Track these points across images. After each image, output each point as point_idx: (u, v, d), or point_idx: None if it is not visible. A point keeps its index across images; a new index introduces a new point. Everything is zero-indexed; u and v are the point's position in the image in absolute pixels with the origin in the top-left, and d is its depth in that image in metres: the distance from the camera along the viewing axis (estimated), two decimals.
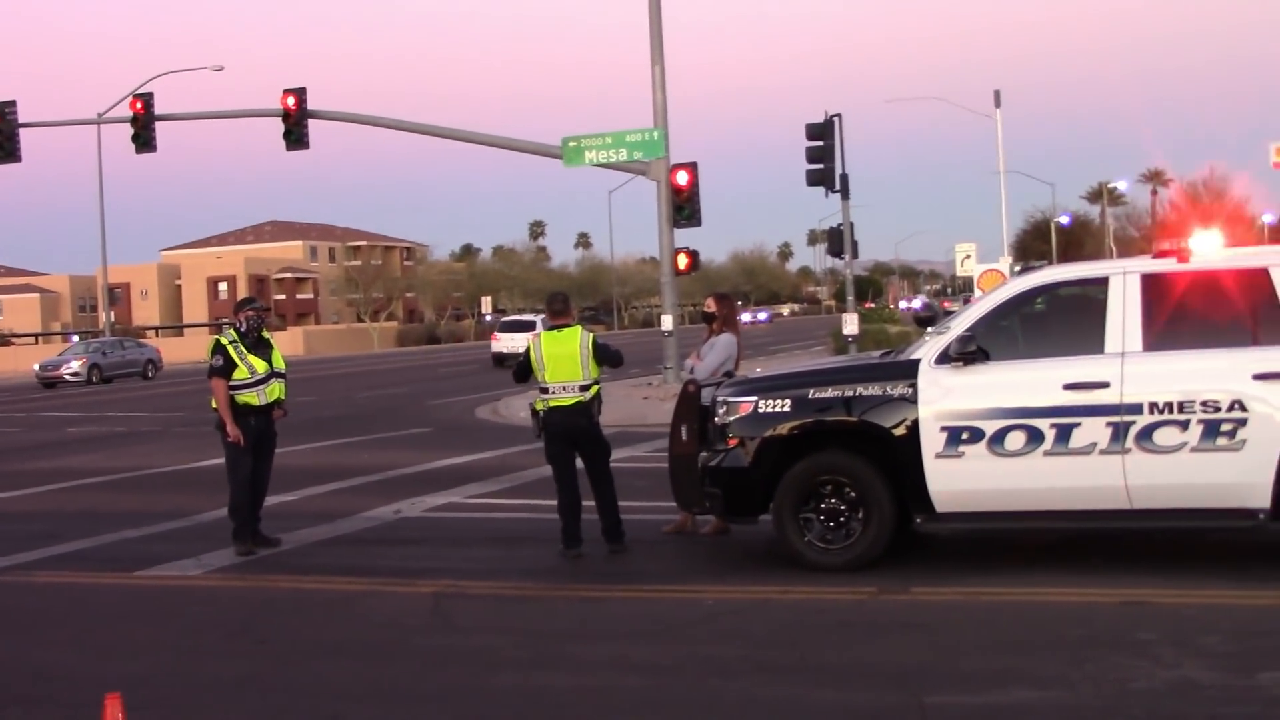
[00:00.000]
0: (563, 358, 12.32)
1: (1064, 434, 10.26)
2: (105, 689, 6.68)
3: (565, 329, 12.51)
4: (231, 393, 13.17)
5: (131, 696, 6.82)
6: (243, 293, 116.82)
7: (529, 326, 49.82)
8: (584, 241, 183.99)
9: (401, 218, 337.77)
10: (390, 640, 9.54)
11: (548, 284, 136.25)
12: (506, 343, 51.84)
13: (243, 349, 13.29)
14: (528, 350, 12.58)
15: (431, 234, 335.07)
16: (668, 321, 32.88)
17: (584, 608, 10.34)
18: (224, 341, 13.27)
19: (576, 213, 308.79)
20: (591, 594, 10.73)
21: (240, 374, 13.20)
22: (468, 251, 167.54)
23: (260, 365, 13.35)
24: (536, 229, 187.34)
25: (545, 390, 12.40)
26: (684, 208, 32.29)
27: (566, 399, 12.34)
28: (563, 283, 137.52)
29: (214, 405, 13.28)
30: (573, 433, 12.42)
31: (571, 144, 33.72)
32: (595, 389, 12.44)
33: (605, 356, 12.44)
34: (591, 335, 12.51)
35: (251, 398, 13.31)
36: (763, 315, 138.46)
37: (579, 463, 12.56)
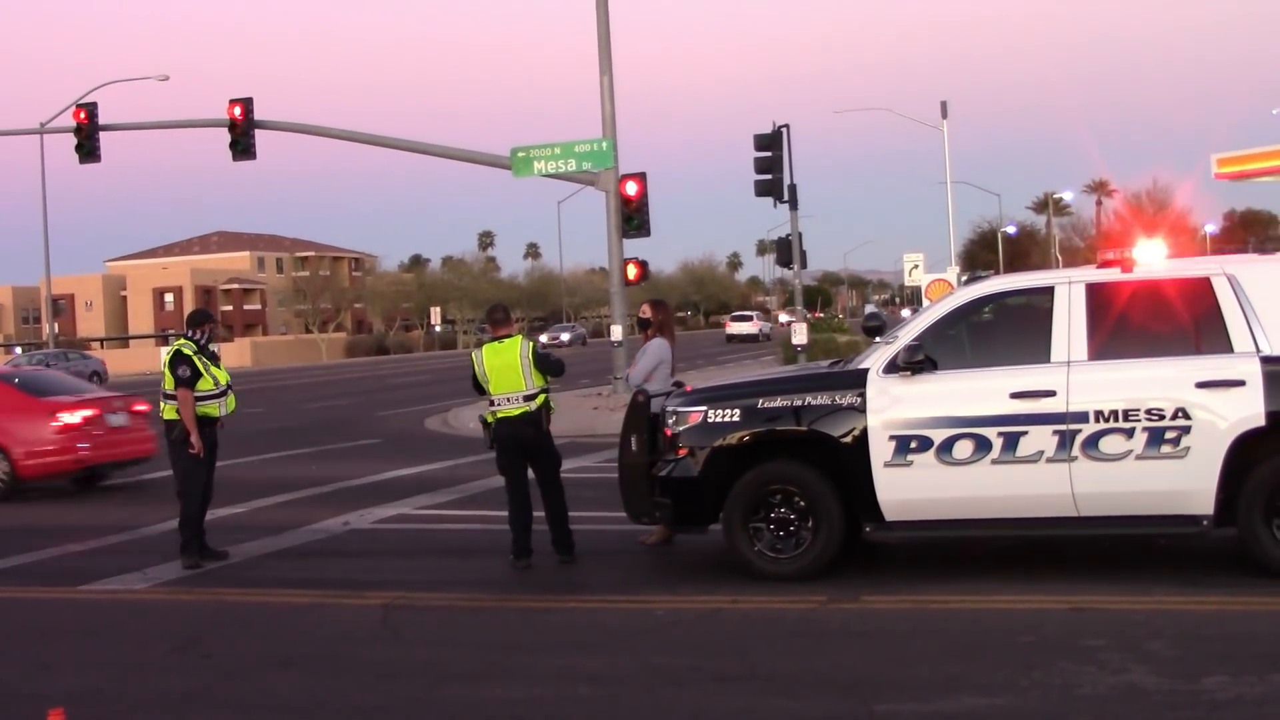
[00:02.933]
0: (504, 369, 12.37)
1: (1011, 442, 10.33)
2: (49, 705, 6.64)
3: (506, 340, 12.56)
4: (195, 403, 13.08)
5: (76, 712, 6.77)
6: (189, 304, 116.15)
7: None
8: (533, 252, 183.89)
9: (350, 228, 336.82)
10: (339, 653, 9.47)
11: (496, 294, 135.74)
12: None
13: (205, 360, 13.23)
14: (472, 363, 12.62)
15: (380, 245, 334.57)
16: (617, 332, 32.88)
17: (534, 618, 10.31)
18: (187, 352, 13.16)
19: (526, 223, 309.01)
20: (542, 605, 10.71)
21: (205, 385, 13.13)
22: (416, 262, 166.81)
23: (223, 377, 13.34)
24: (485, 239, 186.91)
25: (493, 403, 12.44)
26: (633, 218, 32.31)
27: (513, 410, 12.36)
28: (512, 293, 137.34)
29: (167, 416, 13.16)
30: (523, 444, 12.42)
31: (520, 154, 33.68)
32: (542, 398, 12.45)
33: (546, 366, 12.50)
34: (532, 344, 12.57)
35: (213, 409, 13.23)
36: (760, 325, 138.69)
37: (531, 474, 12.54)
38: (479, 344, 12.62)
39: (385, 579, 11.98)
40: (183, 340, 13.38)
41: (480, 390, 12.69)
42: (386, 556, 13.37)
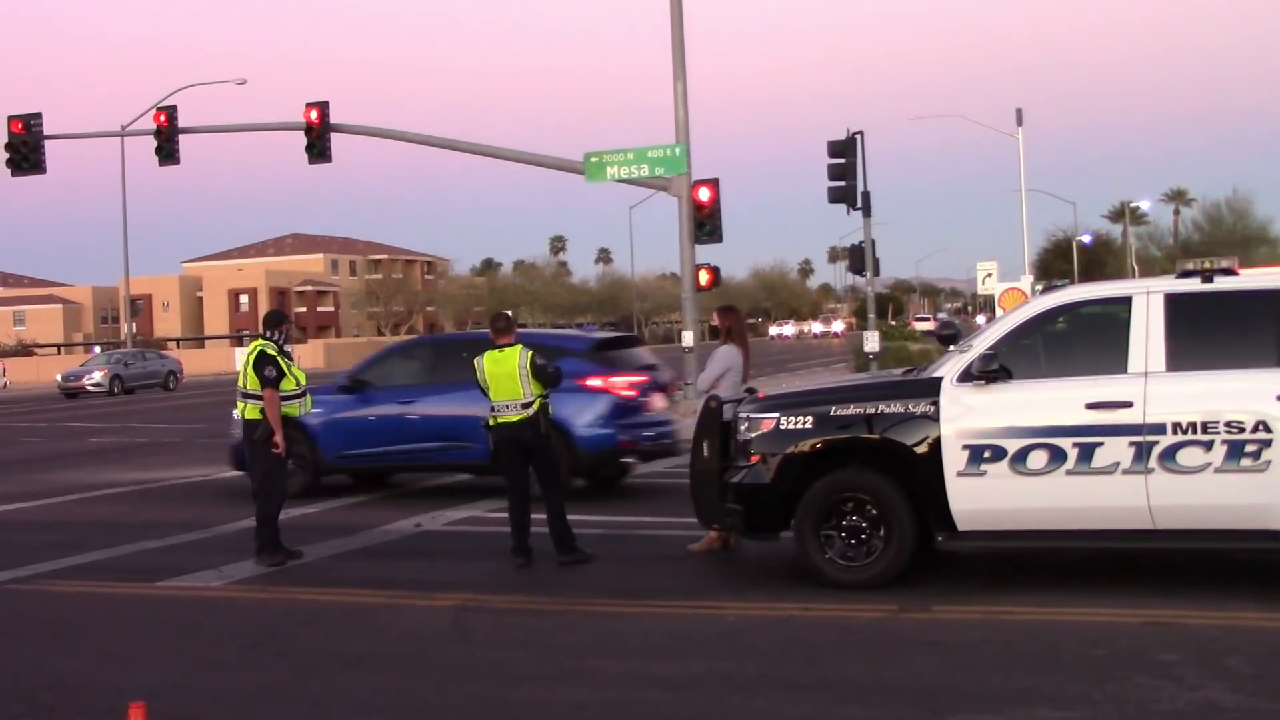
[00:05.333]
0: (503, 377, 12.74)
1: (1086, 453, 10.23)
2: (127, 698, 6.72)
3: (506, 349, 12.88)
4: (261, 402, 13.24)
5: (153, 706, 6.85)
6: (264, 305, 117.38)
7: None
8: (604, 257, 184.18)
9: (423, 231, 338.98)
10: (410, 653, 9.54)
11: (568, 299, 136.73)
12: None
13: (286, 360, 13.41)
14: (474, 370, 13.02)
15: (452, 248, 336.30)
16: (688, 337, 32.84)
17: (603, 622, 10.33)
18: (271, 352, 13.32)
19: (597, 228, 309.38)
20: (611, 609, 10.71)
21: (287, 385, 13.31)
22: (489, 266, 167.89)
23: (301, 377, 13.51)
24: (557, 244, 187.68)
25: (493, 408, 12.84)
26: (705, 224, 32.27)
27: (512, 416, 12.75)
28: (583, 298, 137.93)
29: (248, 415, 13.30)
30: (521, 445, 12.79)
31: (593, 159, 33.74)
32: (539, 404, 12.75)
33: (543, 377, 12.81)
34: (530, 355, 12.82)
35: (294, 409, 13.42)
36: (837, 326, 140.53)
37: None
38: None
39: (456, 580, 12.05)
40: (263, 340, 13.53)
41: (485, 395, 13.00)
42: (457, 558, 13.45)
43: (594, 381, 17.13)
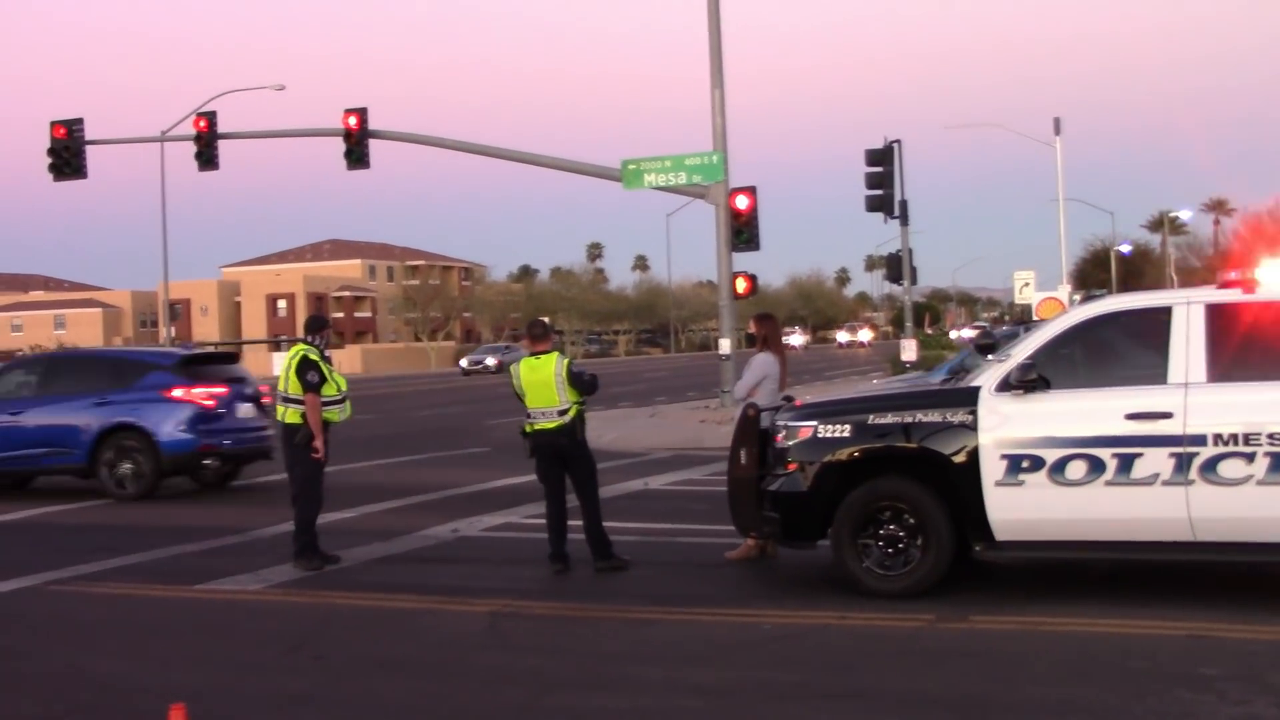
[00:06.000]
0: (539, 384, 12.73)
1: (1126, 464, 10.17)
2: (166, 700, 6.76)
3: (542, 356, 12.88)
4: (302, 407, 13.31)
5: (192, 708, 6.89)
6: (302, 310, 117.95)
7: None
8: (641, 264, 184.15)
9: (460, 238, 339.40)
10: (447, 658, 9.57)
11: (605, 306, 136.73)
12: None
13: (328, 366, 13.49)
14: (510, 377, 13.10)
15: (489, 254, 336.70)
16: (725, 345, 32.84)
17: (640, 629, 10.32)
18: (313, 357, 13.39)
19: (634, 235, 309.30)
20: (648, 615, 10.71)
21: (328, 390, 13.40)
22: (525, 272, 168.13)
23: (341, 383, 13.59)
24: (594, 251, 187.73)
25: (529, 415, 12.84)
26: (743, 231, 32.27)
27: (548, 423, 12.75)
28: (620, 305, 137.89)
29: (288, 420, 13.37)
30: (558, 452, 12.78)
31: (631, 167, 33.79)
32: (575, 410, 12.76)
33: (579, 384, 12.80)
34: (566, 362, 12.86)
35: (334, 414, 13.50)
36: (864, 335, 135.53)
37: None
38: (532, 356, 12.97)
39: (493, 586, 12.07)
40: (304, 345, 13.60)
41: (520, 401, 13.03)
42: (495, 564, 13.46)
43: (177, 392, 19.86)
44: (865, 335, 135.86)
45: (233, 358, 23.78)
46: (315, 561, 13.12)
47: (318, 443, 13.26)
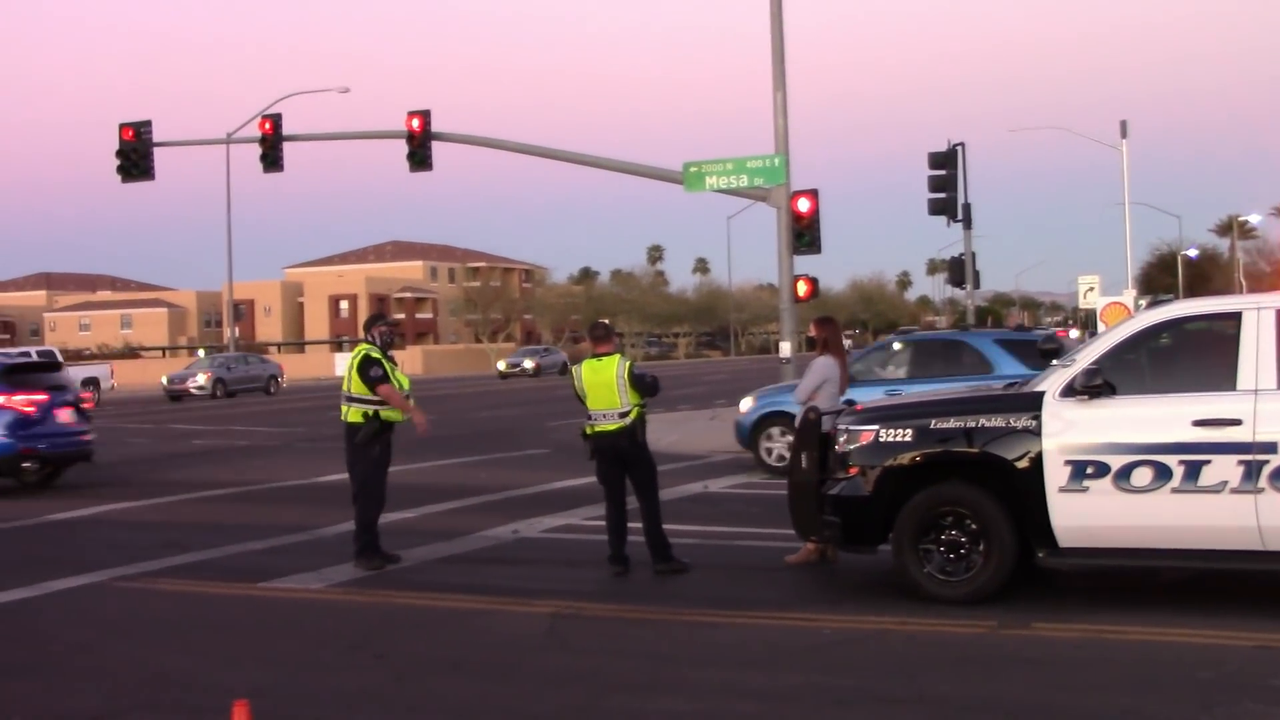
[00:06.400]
0: (601, 386, 12.74)
1: (1193, 471, 10.05)
2: (229, 696, 6.81)
3: (605, 358, 12.87)
4: (380, 407, 13.41)
5: (255, 705, 6.93)
6: (364, 311, 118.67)
7: None
8: (702, 267, 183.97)
9: (521, 240, 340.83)
10: (506, 659, 9.59)
11: (665, 309, 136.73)
12: None
13: (390, 364, 13.57)
14: (571, 378, 13.15)
15: (550, 257, 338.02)
16: (786, 348, 32.70)
17: (699, 632, 10.31)
18: (376, 355, 13.49)
19: (695, 238, 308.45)
20: (707, 619, 10.68)
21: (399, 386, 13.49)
22: (586, 275, 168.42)
23: (405, 381, 13.67)
24: (655, 253, 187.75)
25: (590, 417, 12.87)
26: (804, 235, 32.12)
27: (609, 425, 12.74)
28: (680, 307, 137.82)
29: (351, 419, 13.45)
30: (619, 454, 12.79)
31: (692, 169, 33.72)
32: (636, 412, 12.75)
33: (641, 386, 12.80)
34: (629, 364, 12.82)
35: (397, 414, 13.56)
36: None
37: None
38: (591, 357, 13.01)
39: (553, 587, 12.09)
40: (366, 345, 13.68)
41: (583, 403, 13.05)
42: (554, 565, 13.49)
43: None
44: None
45: (55, 366, 25.60)
46: (376, 561, 13.19)
47: (417, 416, 13.57)
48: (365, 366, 13.39)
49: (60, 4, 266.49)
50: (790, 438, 14.93)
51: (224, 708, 6.87)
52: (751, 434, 21.77)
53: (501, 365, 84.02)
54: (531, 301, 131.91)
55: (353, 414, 13.50)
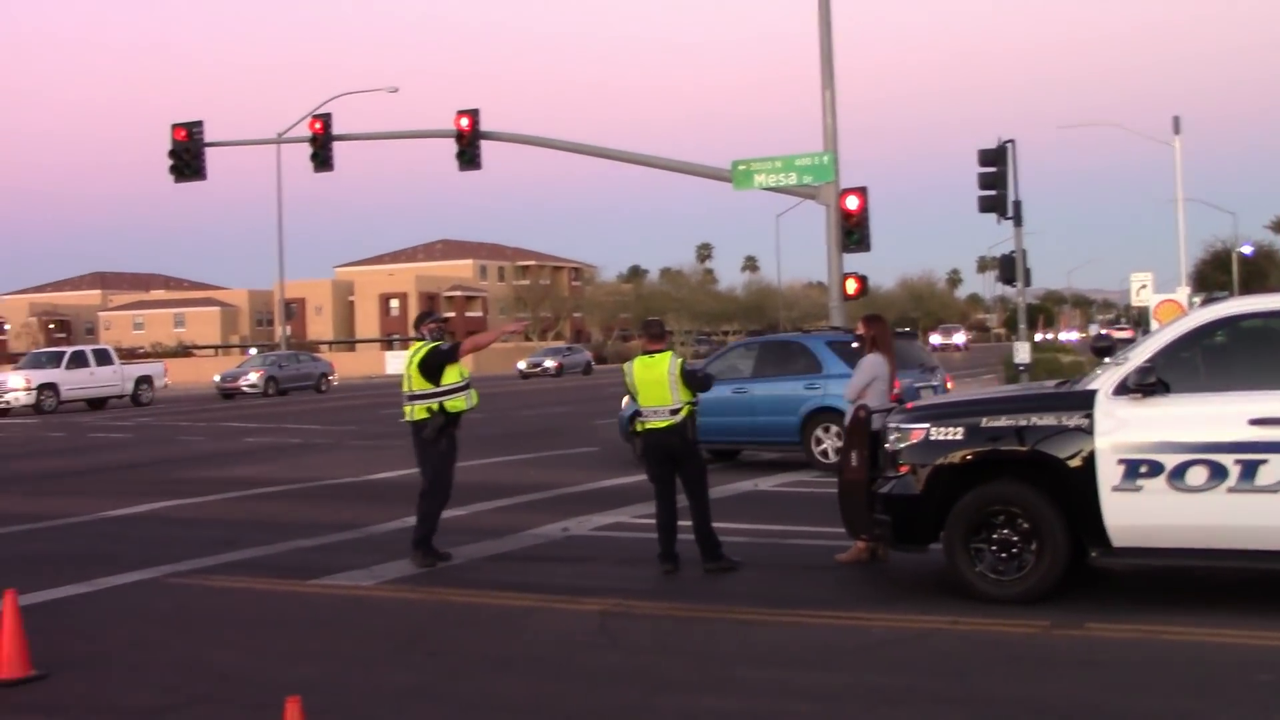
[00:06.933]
0: (652, 383, 12.80)
1: (1250, 470, 9.95)
2: (282, 692, 6.85)
3: (657, 355, 12.93)
4: (443, 398, 13.49)
5: (307, 701, 6.97)
6: (414, 310, 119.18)
7: None
8: (751, 265, 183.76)
9: (570, 238, 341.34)
10: (557, 657, 9.61)
11: (714, 307, 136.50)
12: None
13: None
14: (624, 375, 13.22)
15: (599, 255, 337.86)
16: None
17: (749, 631, 10.30)
18: (431, 346, 13.58)
19: (743, 236, 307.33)
20: (757, 617, 10.67)
21: (452, 377, 13.58)
22: (635, 273, 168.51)
23: (464, 370, 13.80)
24: (704, 251, 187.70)
25: (640, 414, 12.94)
26: (853, 232, 32.03)
27: (659, 422, 12.79)
28: (729, 305, 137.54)
29: (416, 417, 13.53)
30: (669, 452, 12.83)
31: (741, 167, 33.69)
32: (686, 410, 12.80)
33: (693, 382, 12.86)
34: (680, 361, 12.87)
35: (460, 402, 13.65)
36: (959, 338, 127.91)
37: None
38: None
39: (603, 585, 12.10)
40: (420, 342, 13.75)
41: (634, 400, 13.13)
42: (604, 563, 13.50)
43: None
44: (960, 338, 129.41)
45: None
46: (429, 559, 13.25)
47: (507, 328, 14.13)
48: (430, 359, 13.46)
49: (115, 7, 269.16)
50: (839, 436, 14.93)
51: (277, 704, 6.91)
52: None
53: (522, 365, 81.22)
54: (581, 300, 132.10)
55: (418, 411, 13.56)
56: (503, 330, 14.28)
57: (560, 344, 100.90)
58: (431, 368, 13.45)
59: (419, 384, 13.51)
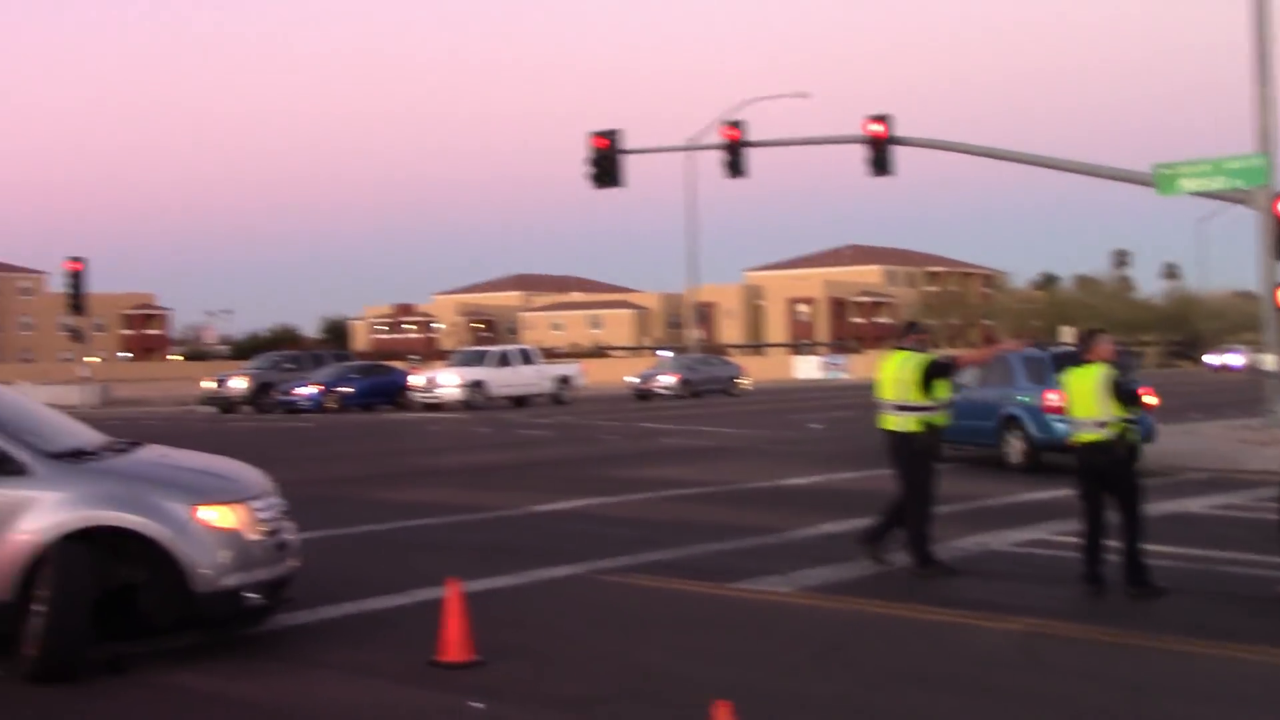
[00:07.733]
0: (1082, 393, 12.59)
1: None
2: (706, 693, 7.06)
3: (1088, 365, 12.64)
4: (927, 414, 13.61)
5: (734, 705, 7.15)
6: (823, 315, 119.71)
7: None
8: (1171, 273, 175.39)
9: (979, 244, 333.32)
10: (976, 674, 9.49)
11: (1129, 315, 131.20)
12: None
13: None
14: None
15: (1010, 261, 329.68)
16: (1270, 360, 30.80)
17: (1176, 661, 9.86)
18: (928, 357, 13.74)
19: (1161, 243, 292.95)
20: (1188, 648, 10.19)
21: (943, 392, 13.67)
22: (1047, 280, 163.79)
23: (949, 387, 13.94)
24: (1119, 258, 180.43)
25: (1073, 423, 12.80)
26: None
27: (1086, 435, 12.53)
28: (1146, 315, 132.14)
29: (909, 429, 13.60)
30: (1097, 471, 12.54)
31: (1165, 171, 32.25)
32: (1116, 427, 12.40)
33: (1122, 396, 12.47)
34: (1110, 372, 12.45)
35: (942, 418, 13.73)
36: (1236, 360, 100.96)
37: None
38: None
39: (1024, 604, 11.82)
40: (904, 352, 13.84)
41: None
42: (1024, 580, 13.18)
43: None
44: (1237, 360, 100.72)
45: None
46: (930, 569, 13.30)
47: (1006, 345, 13.93)
48: (934, 371, 13.54)
49: (541, 12, 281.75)
50: None
51: (702, 704, 7.10)
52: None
53: (635, 379, 63.95)
54: (990, 307, 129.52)
55: (911, 423, 13.60)
56: (1001, 348, 14.25)
57: (692, 353, 77.90)
58: (931, 380, 13.52)
59: (915, 395, 13.57)
